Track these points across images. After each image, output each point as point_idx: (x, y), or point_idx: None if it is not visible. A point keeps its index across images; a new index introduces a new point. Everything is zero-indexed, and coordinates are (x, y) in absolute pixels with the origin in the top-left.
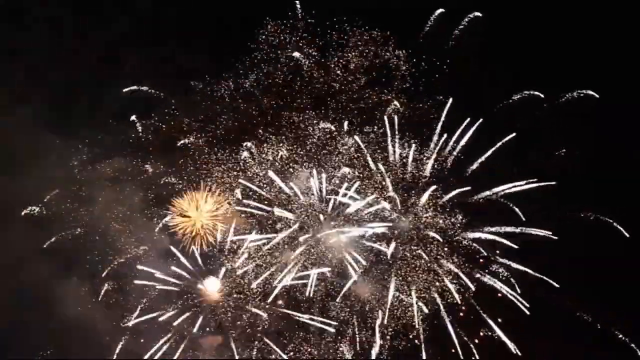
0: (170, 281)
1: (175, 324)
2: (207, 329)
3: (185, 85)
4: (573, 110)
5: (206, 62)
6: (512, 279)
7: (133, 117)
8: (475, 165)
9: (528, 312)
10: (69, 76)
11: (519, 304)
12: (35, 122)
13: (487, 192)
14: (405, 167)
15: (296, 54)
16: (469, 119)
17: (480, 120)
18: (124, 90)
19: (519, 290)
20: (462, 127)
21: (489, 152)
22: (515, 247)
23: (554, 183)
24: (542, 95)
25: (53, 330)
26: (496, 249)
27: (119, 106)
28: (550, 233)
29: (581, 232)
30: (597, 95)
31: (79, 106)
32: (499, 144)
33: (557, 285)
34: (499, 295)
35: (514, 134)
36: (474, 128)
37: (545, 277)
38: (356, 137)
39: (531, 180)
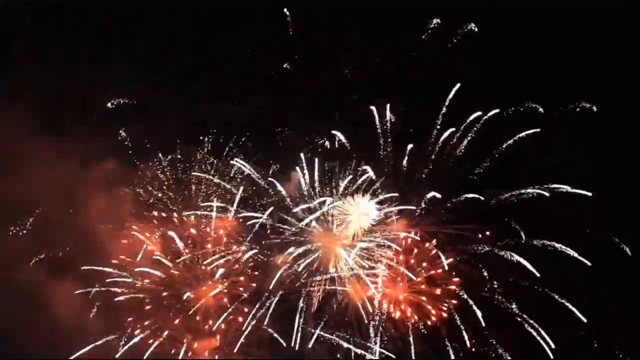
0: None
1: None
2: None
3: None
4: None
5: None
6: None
7: (122, 132)
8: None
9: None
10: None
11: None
12: (26, 124)
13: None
14: (400, 174)
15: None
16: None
17: (479, 125)
18: (108, 105)
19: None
20: (461, 129)
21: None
22: (538, 274)
23: (589, 194)
24: (541, 109)
25: (48, 334)
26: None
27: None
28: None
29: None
30: (594, 108)
31: (71, 108)
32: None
33: (584, 320)
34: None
35: (518, 137)
36: (472, 134)
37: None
38: (339, 134)
39: (557, 187)
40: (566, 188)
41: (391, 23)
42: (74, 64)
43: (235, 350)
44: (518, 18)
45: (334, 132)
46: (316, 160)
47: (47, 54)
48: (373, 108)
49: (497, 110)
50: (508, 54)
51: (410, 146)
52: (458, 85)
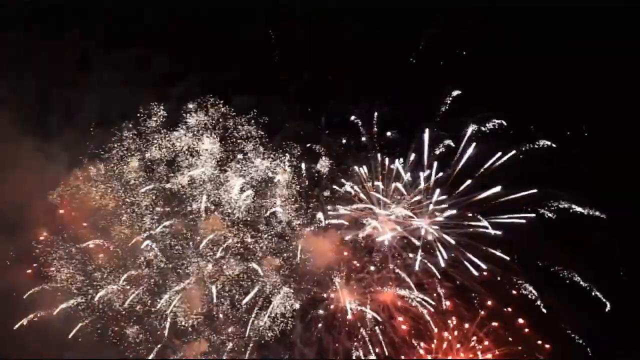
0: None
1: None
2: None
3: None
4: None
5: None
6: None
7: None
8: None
9: None
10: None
11: None
12: (12, 126)
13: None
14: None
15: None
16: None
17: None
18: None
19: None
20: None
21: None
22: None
23: (604, 218)
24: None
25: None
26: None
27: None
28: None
29: None
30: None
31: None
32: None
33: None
34: None
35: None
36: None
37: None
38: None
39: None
40: (575, 207)
41: (386, 26)
42: (72, 64)
43: (224, 354)
44: (516, 20)
45: (313, 146)
46: (303, 166)
47: (46, 53)
48: (358, 120)
49: (503, 122)
50: (507, 59)
51: (400, 161)
52: (457, 92)
